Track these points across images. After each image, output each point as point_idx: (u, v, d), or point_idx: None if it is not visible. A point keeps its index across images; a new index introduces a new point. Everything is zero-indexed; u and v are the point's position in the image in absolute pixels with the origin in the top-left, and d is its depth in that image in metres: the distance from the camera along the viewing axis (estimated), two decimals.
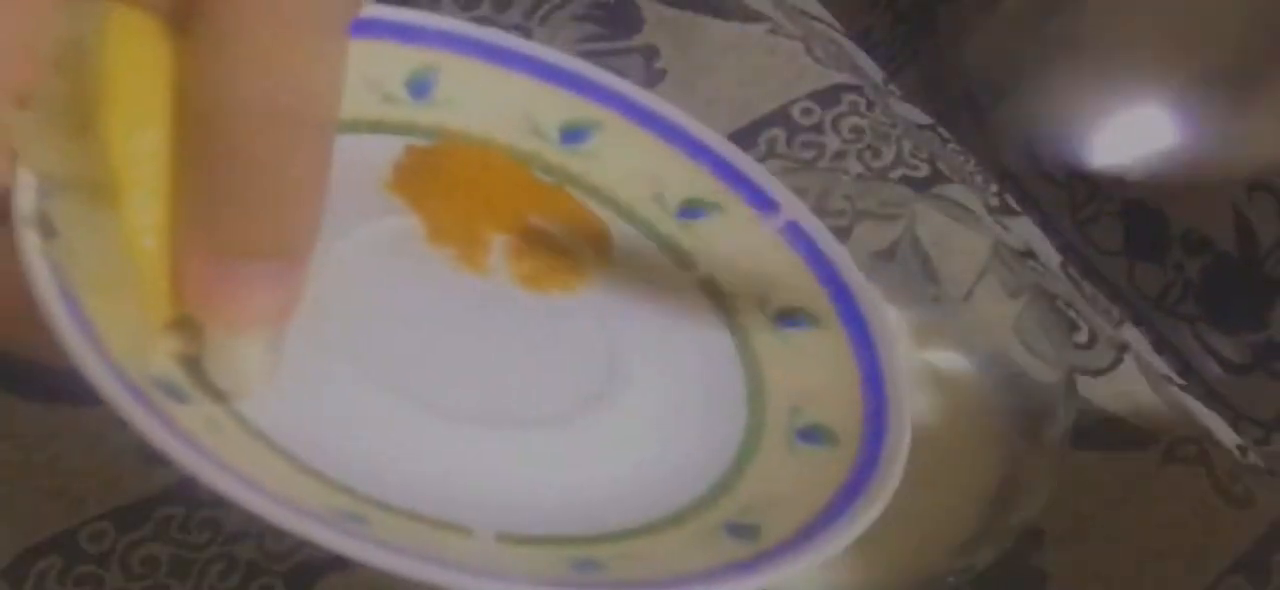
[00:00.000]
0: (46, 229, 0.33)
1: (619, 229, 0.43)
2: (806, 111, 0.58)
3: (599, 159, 0.43)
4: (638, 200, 0.44)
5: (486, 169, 0.42)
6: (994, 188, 0.58)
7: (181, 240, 0.34)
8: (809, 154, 0.57)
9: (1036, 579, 0.49)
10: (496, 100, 0.43)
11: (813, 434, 0.39)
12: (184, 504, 0.49)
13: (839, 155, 0.57)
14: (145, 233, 0.34)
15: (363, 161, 0.41)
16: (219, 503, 0.49)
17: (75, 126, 0.34)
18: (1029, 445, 0.49)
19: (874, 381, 0.40)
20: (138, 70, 0.35)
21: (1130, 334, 0.55)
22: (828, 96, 0.58)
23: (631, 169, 0.43)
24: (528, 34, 0.59)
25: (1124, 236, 0.66)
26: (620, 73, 0.59)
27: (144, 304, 0.34)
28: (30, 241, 0.33)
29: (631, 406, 0.39)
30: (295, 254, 0.34)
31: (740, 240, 0.43)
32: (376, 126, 0.42)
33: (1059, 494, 0.49)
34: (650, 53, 0.59)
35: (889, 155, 0.57)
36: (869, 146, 0.57)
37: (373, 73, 0.42)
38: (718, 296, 0.42)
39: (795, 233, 0.43)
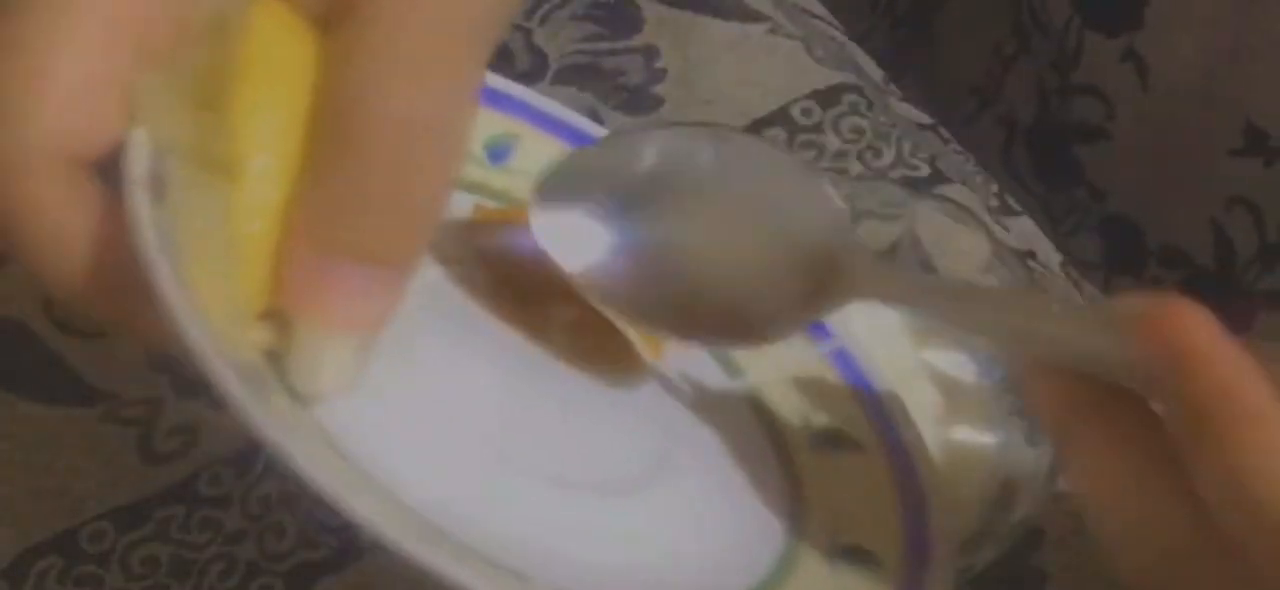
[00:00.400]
0: (157, 192, 0.33)
1: None
2: (806, 111, 0.58)
3: None
4: None
5: None
6: (994, 188, 0.58)
7: (292, 230, 0.34)
8: (809, 154, 0.57)
9: (1036, 579, 0.49)
10: None
11: (855, 554, 0.39)
12: (184, 504, 0.49)
13: (839, 155, 0.57)
14: (254, 217, 0.34)
15: None
16: (219, 503, 0.49)
17: (202, 100, 0.34)
18: (1029, 445, 0.49)
19: (916, 511, 0.40)
20: (274, 58, 0.35)
21: None
22: (828, 96, 0.58)
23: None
24: (528, 35, 0.59)
25: (1102, 250, 0.66)
26: (620, 72, 0.59)
27: (241, 288, 0.34)
28: (140, 199, 0.33)
29: (676, 495, 0.39)
30: (401, 266, 0.34)
31: (790, 359, 0.43)
32: None
33: (1059, 494, 0.49)
34: (650, 53, 0.59)
35: (889, 155, 0.57)
36: (869, 146, 0.57)
37: None
38: (762, 409, 0.43)
39: (844, 360, 0.44)
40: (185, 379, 0.51)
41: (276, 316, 0.34)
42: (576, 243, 0.41)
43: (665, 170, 0.42)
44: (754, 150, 0.44)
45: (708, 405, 0.42)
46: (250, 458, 0.49)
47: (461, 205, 0.43)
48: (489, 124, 0.44)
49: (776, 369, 0.44)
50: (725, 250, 0.41)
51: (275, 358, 0.34)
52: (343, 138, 0.34)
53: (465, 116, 0.35)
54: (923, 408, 0.49)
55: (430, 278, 0.40)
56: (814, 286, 0.41)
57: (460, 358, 0.39)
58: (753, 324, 0.41)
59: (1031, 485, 0.48)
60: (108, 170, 0.34)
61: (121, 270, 0.33)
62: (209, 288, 0.32)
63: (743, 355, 0.44)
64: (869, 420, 0.43)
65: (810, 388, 0.43)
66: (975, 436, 0.49)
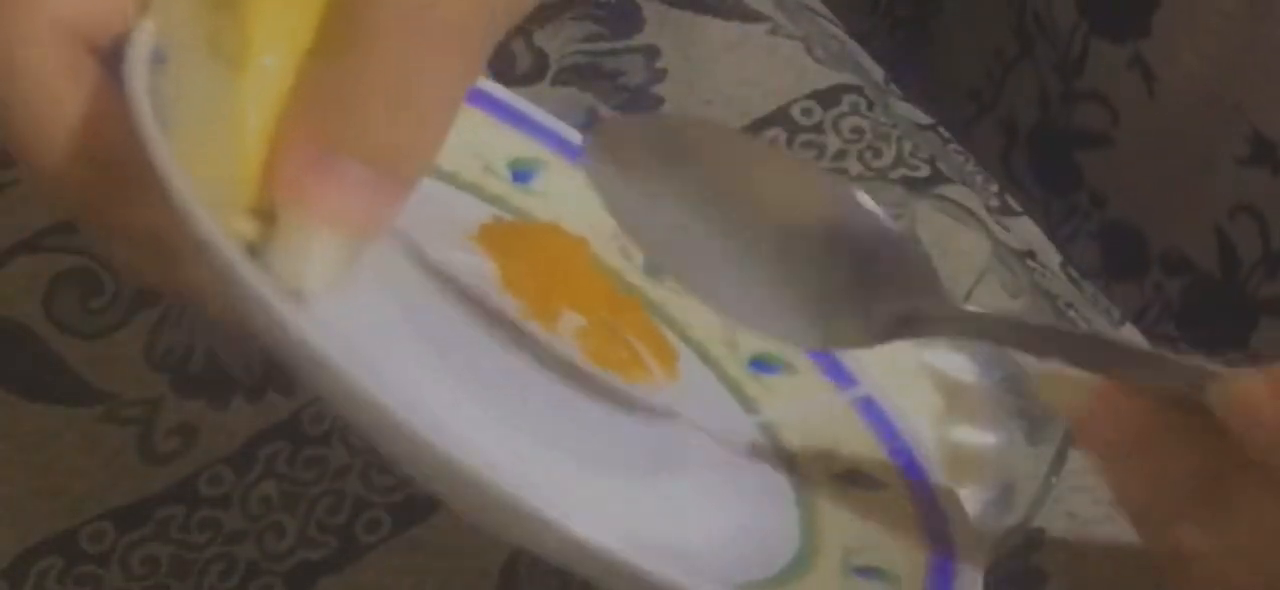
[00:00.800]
0: (157, 74, 0.32)
1: (687, 358, 0.43)
2: (807, 111, 0.58)
3: (679, 294, 0.43)
4: (710, 340, 0.44)
5: (572, 253, 0.43)
6: (994, 188, 0.58)
7: (291, 120, 0.33)
8: (810, 154, 0.57)
9: (1036, 579, 0.49)
10: (591, 212, 0.43)
11: (871, 573, 0.38)
12: (184, 504, 0.49)
13: (839, 155, 0.57)
14: (255, 110, 0.33)
15: (453, 206, 0.42)
16: (219, 503, 0.49)
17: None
18: (1029, 445, 0.49)
19: (943, 548, 0.39)
20: None
21: (1130, 334, 0.55)
22: (828, 96, 0.58)
23: (710, 311, 0.43)
24: (529, 35, 0.59)
25: (1101, 257, 0.66)
26: (620, 72, 0.59)
27: (232, 178, 0.33)
28: (139, 73, 0.32)
29: (677, 490, 0.39)
30: (398, 172, 0.33)
31: (810, 403, 0.43)
32: (472, 189, 0.43)
33: (1059, 494, 0.48)
34: (651, 52, 0.59)
35: (889, 155, 0.57)
36: (869, 146, 0.57)
37: (480, 143, 0.42)
38: (778, 443, 0.42)
39: (870, 407, 0.43)
40: (185, 378, 0.51)
41: (263, 216, 0.33)
42: (629, 199, 0.40)
43: (725, 167, 0.40)
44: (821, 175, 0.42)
45: (719, 426, 0.42)
46: (250, 457, 0.49)
47: (481, 212, 0.43)
48: (517, 145, 0.44)
49: (796, 410, 0.43)
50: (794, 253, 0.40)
51: (258, 255, 0.33)
52: (356, 26, 0.33)
53: (485, 49, 0.34)
54: (923, 408, 0.49)
55: (438, 257, 0.40)
56: (883, 319, 0.39)
57: (466, 330, 0.39)
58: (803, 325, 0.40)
59: (1031, 485, 0.48)
60: (112, 65, 0.34)
61: (110, 150, 0.33)
62: (200, 172, 0.31)
63: (759, 394, 0.44)
64: (895, 464, 0.42)
65: (832, 431, 0.43)
66: (975, 436, 0.49)
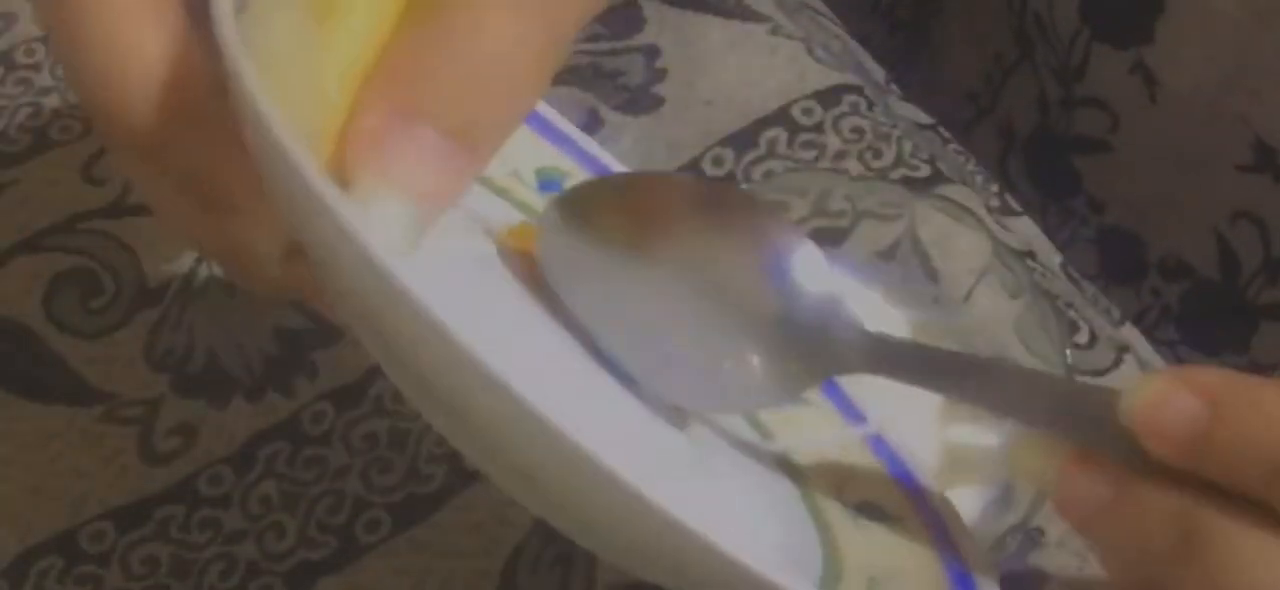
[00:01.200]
0: (238, 20, 0.32)
1: None
2: (807, 111, 0.58)
3: None
4: None
5: None
6: (994, 188, 0.58)
7: (372, 86, 0.33)
8: (810, 154, 0.57)
9: (1036, 579, 0.49)
10: None
11: None
12: (184, 504, 0.49)
13: (839, 155, 0.57)
14: (337, 69, 0.33)
15: (484, 204, 0.42)
16: (219, 503, 0.49)
17: None
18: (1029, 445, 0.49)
19: (961, 577, 0.39)
20: None
21: (1130, 334, 0.55)
22: (829, 97, 0.58)
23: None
24: None
25: (1099, 262, 0.66)
26: (620, 72, 0.59)
27: (306, 133, 0.32)
28: (227, 16, 0.31)
29: (713, 501, 0.39)
30: (473, 145, 0.33)
31: (822, 434, 0.43)
32: (501, 193, 0.43)
33: None
34: (651, 52, 0.59)
35: (889, 155, 0.57)
36: (870, 147, 0.57)
37: (510, 149, 0.42)
38: (794, 471, 0.42)
39: (880, 445, 0.43)
40: (185, 378, 0.51)
41: (336, 179, 0.33)
42: (577, 274, 0.40)
43: (667, 221, 0.41)
44: (751, 211, 0.43)
45: (736, 447, 0.42)
46: (250, 458, 0.49)
47: (510, 215, 0.43)
48: (544, 155, 0.45)
49: (810, 440, 0.43)
50: (708, 319, 0.41)
51: None
52: (449, 6, 0.33)
53: (570, 24, 0.35)
54: (923, 408, 0.49)
55: (480, 256, 0.40)
56: (800, 366, 0.40)
57: (500, 323, 0.39)
58: (728, 395, 0.41)
59: (1031, 485, 0.48)
60: (194, 8, 0.34)
61: (189, 94, 0.33)
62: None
63: (772, 422, 0.44)
64: (907, 499, 0.42)
65: (846, 463, 0.43)
66: (975, 436, 0.49)
